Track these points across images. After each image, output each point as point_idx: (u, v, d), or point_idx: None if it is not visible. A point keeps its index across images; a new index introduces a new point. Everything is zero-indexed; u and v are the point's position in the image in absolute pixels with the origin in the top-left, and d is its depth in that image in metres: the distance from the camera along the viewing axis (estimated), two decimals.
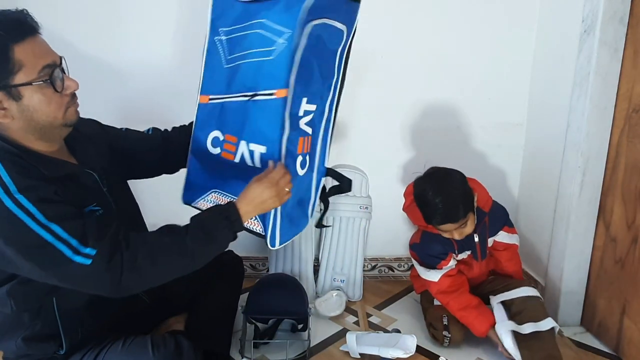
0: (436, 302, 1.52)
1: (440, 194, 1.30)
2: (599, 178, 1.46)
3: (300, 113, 1.13)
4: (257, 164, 1.13)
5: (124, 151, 1.20)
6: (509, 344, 1.31)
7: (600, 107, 1.40)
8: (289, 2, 1.05)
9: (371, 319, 1.65)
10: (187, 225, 0.99)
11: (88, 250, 0.86)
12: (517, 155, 1.85)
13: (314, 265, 1.84)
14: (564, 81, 1.52)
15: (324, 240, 1.84)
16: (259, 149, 1.12)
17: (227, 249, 1.28)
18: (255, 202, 1.03)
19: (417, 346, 1.40)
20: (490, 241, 1.51)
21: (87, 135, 1.10)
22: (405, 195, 1.53)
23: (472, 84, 1.77)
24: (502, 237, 1.52)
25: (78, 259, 0.85)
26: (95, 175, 1.05)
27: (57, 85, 0.89)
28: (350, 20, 1.17)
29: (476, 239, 1.45)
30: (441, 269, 1.45)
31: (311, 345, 1.45)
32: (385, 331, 1.55)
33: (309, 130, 1.18)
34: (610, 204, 1.44)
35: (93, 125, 1.17)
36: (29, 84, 0.85)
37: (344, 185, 1.38)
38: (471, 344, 1.46)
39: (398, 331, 1.49)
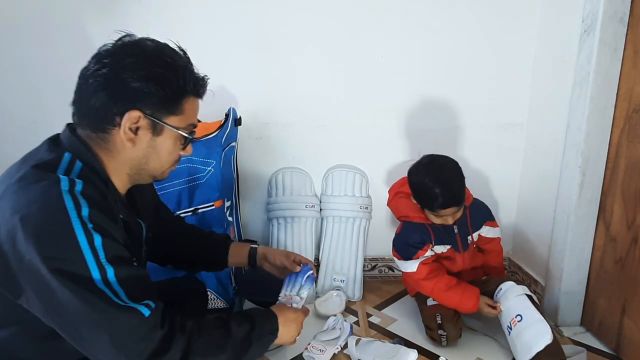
0: (429, 302, 1.51)
1: (443, 180, 1.36)
2: (599, 178, 1.46)
3: (226, 210, 1.57)
4: None
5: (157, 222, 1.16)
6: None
7: (600, 107, 1.40)
8: (208, 142, 1.49)
9: (371, 319, 1.65)
10: (237, 328, 0.92)
11: (146, 302, 0.80)
12: (517, 155, 1.85)
13: (314, 265, 1.83)
14: (564, 81, 1.52)
15: (324, 240, 1.84)
16: None
17: (192, 277, 1.42)
18: (285, 336, 1.01)
19: (418, 346, 1.40)
20: (475, 236, 1.55)
21: (144, 189, 1.06)
22: (389, 191, 1.60)
23: (472, 84, 1.77)
24: (486, 231, 1.57)
25: (140, 308, 0.79)
26: (144, 229, 1.02)
27: (187, 143, 0.94)
28: (236, 137, 1.68)
29: (456, 231, 1.49)
30: (417, 258, 1.48)
31: None
32: (386, 333, 1.54)
33: (231, 219, 1.62)
34: (610, 204, 1.44)
35: (150, 184, 1.13)
36: (176, 129, 0.90)
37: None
38: (471, 343, 1.47)
39: (401, 343, 1.45)
